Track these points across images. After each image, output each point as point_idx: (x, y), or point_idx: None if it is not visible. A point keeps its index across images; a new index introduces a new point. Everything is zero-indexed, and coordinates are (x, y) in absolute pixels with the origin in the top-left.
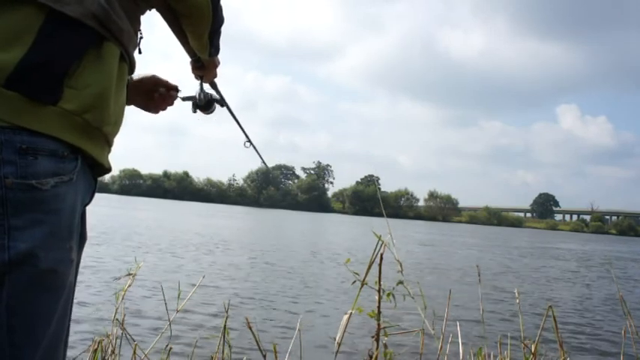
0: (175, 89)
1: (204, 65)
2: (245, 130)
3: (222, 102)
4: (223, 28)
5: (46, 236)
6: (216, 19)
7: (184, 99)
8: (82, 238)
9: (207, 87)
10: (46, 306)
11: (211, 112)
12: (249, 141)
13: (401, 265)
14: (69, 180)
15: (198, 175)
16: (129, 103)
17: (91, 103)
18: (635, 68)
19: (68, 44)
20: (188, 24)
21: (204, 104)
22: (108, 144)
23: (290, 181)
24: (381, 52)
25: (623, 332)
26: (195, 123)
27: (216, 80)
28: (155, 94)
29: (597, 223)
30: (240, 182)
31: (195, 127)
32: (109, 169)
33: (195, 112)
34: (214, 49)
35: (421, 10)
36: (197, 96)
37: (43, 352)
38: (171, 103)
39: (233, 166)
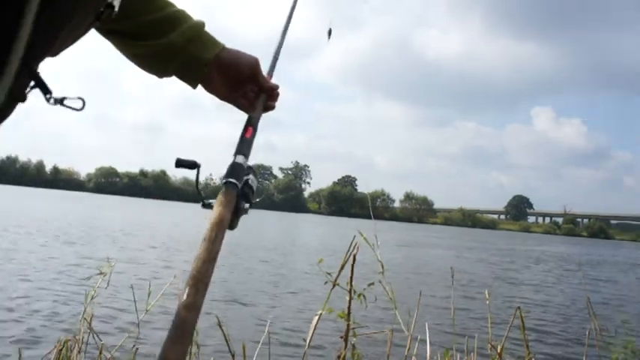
0: (270, 91)
1: None
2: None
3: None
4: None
5: None
6: None
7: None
8: None
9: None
10: None
11: None
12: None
13: (382, 267)
14: None
15: (175, 174)
16: (210, 90)
17: None
18: (610, 70)
19: None
20: None
21: None
22: None
23: (267, 181)
24: (357, 51)
25: (587, 333)
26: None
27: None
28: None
29: (569, 226)
30: (218, 182)
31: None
32: None
33: None
34: None
35: (398, 10)
36: None
37: None
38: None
39: (211, 165)
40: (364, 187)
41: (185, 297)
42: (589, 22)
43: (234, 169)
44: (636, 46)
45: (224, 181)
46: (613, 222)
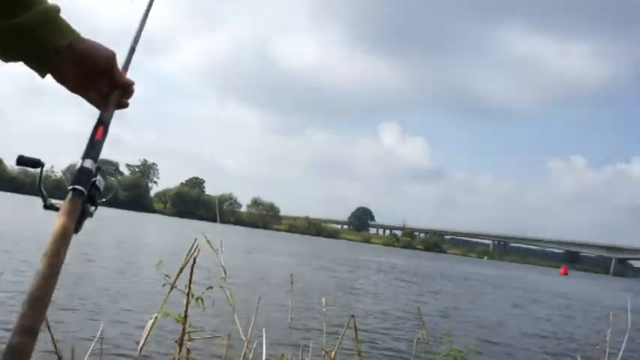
0: (125, 87)
1: None
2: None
3: None
4: None
5: None
6: None
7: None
8: None
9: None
10: None
11: None
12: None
13: (225, 272)
14: None
15: (13, 164)
16: (60, 80)
17: None
18: (455, 93)
19: None
20: None
21: None
22: None
23: (113, 177)
24: (215, 51)
25: (415, 341)
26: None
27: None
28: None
29: (407, 239)
30: (59, 174)
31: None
32: None
33: None
34: None
35: (259, 13)
36: None
37: None
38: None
39: (54, 157)
40: (212, 189)
41: (21, 319)
42: (441, 44)
43: (82, 175)
44: (480, 73)
45: (70, 188)
46: (447, 237)
